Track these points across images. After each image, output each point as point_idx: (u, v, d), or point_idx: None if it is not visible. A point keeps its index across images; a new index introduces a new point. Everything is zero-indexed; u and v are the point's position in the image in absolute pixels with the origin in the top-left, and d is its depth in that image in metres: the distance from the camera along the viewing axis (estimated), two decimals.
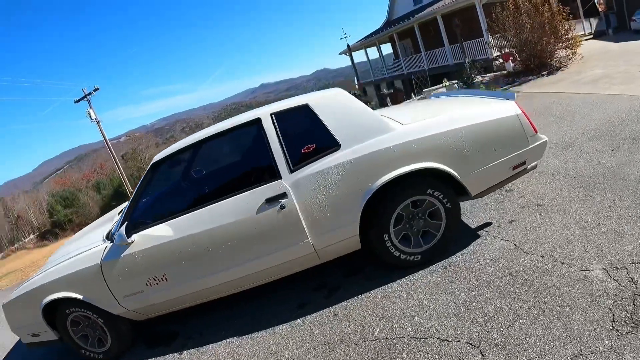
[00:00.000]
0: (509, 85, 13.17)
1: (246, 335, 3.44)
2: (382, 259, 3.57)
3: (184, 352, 3.55)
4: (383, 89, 29.71)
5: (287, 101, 3.83)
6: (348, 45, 31.37)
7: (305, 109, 3.49)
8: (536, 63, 13.83)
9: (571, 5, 18.69)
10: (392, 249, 3.44)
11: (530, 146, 3.57)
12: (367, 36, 30.85)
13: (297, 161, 3.35)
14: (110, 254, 3.48)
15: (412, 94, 16.43)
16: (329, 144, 3.35)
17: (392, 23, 28.23)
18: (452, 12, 20.73)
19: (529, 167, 3.72)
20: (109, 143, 29.59)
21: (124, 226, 3.46)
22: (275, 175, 3.32)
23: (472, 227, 4.14)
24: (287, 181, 3.29)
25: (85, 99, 28.14)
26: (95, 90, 28.12)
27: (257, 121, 3.49)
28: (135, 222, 3.54)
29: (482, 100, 4.07)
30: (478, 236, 3.91)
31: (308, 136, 3.48)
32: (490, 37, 16.24)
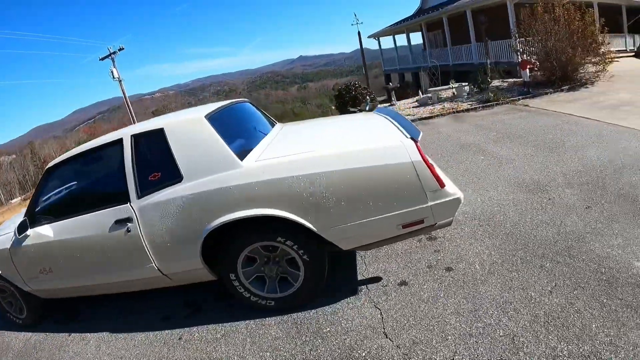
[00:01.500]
0: (521, 96, 11.72)
1: (114, 333, 3.73)
2: (234, 296, 3.28)
3: (73, 334, 3.99)
4: (407, 80, 27.86)
5: (149, 122, 3.64)
6: (359, 32, 28.52)
7: (160, 134, 3.19)
8: (559, 75, 12.22)
9: (616, 18, 17.22)
10: (240, 289, 3.17)
11: (430, 203, 2.75)
12: (397, 23, 28.80)
13: (145, 187, 3.15)
14: (15, 242, 3.78)
15: (362, 103, 15.21)
16: (173, 174, 3.06)
17: (424, 12, 26.12)
18: (482, 9, 18.95)
19: (432, 224, 2.88)
20: (129, 102, 29.84)
21: (19, 222, 3.71)
22: (126, 198, 3.19)
23: (358, 279, 3.47)
24: (135, 205, 3.14)
25: (110, 57, 28.72)
26: (120, 49, 28.66)
27: (120, 141, 3.34)
28: (31, 218, 3.73)
29: (387, 132, 3.22)
30: (354, 292, 3.26)
31: (158, 163, 3.22)
32: (517, 40, 14.34)
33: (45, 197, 3.96)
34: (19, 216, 4.39)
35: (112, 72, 28.01)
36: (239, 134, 3.63)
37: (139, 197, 3.14)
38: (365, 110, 14.30)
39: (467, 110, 11.37)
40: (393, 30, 29.26)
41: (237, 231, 2.96)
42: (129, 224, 3.14)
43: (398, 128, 3.20)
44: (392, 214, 2.77)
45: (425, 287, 3.13)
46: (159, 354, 3.20)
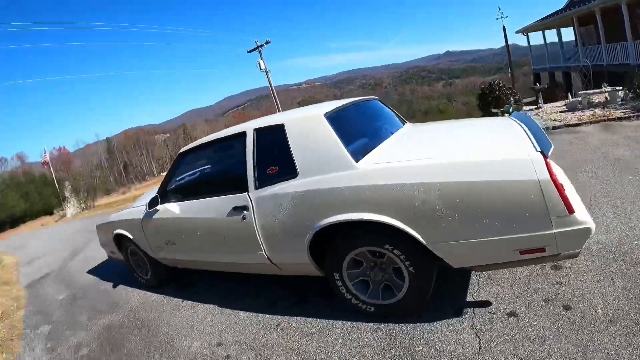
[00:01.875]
0: None
1: (221, 308, 4.05)
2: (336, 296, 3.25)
3: (186, 301, 4.46)
4: (558, 79, 24.54)
5: (270, 118, 3.80)
6: (504, 28, 26.38)
7: (280, 130, 3.28)
8: None
9: None
10: (342, 290, 3.11)
11: (555, 231, 2.36)
12: (547, 17, 25.42)
13: (263, 179, 3.30)
14: (146, 215, 4.40)
15: (508, 103, 13.71)
16: (289, 169, 3.13)
17: (574, 4, 22.40)
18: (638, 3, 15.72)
19: (556, 254, 2.49)
20: (275, 93, 31.09)
21: (151, 197, 4.30)
22: (244, 187, 3.39)
23: (466, 299, 3.17)
24: (252, 195, 3.33)
25: (257, 50, 30.30)
26: (267, 43, 30.06)
27: (243, 134, 3.55)
28: (162, 195, 4.26)
29: (516, 143, 2.83)
30: (458, 314, 2.98)
31: (276, 157, 3.30)
32: None
33: (176, 178, 4.45)
34: (153, 192, 4.98)
35: (259, 63, 29.83)
36: (360, 133, 3.58)
37: (257, 187, 3.32)
38: (508, 112, 13.36)
39: (620, 118, 9.78)
40: (542, 24, 26.26)
41: (345, 232, 2.94)
42: (245, 212, 3.35)
43: (529, 138, 2.81)
44: (510, 237, 2.44)
45: (535, 323, 2.73)
46: (255, 335, 3.38)
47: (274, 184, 3.21)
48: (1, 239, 36.14)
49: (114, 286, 5.77)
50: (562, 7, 25.25)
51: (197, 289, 4.65)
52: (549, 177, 2.33)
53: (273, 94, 31.08)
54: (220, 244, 3.70)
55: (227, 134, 3.85)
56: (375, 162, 2.88)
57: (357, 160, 2.89)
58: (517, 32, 27.56)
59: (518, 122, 3.41)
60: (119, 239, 5.19)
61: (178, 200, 4.17)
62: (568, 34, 27.11)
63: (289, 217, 3.10)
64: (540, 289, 3.07)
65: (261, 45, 30.14)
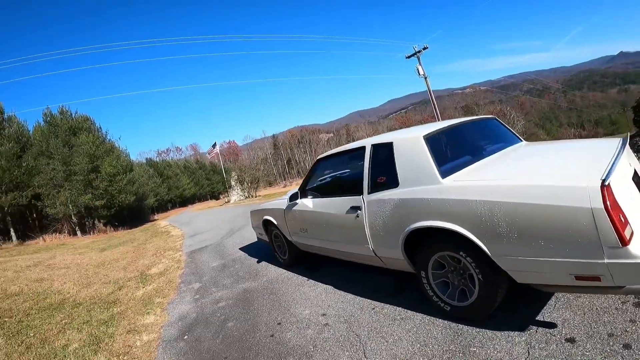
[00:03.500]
0: None
1: (335, 289, 5.09)
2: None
3: (310, 280, 5.66)
4: None
5: (385, 136, 4.57)
6: None
7: (390, 147, 4.08)
8: None
9: None
10: (426, 287, 3.81)
11: (607, 261, 2.54)
12: None
13: (374, 185, 4.13)
14: (288, 206, 5.78)
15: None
16: (393, 180, 3.90)
17: None
18: None
19: (619, 287, 2.61)
20: (434, 99, 31.40)
21: (291, 193, 5.74)
22: (361, 191, 4.27)
23: (535, 317, 3.47)
24: (365, 198, 4.19)
25: (415, 56, 31.26)
26: (424, 49, 30.72)
27: (363, 148, 4.43)
28: (301, 192, 5.52)
29: (586, 168, 3.11)
30: (522, 328, 3.35)
31: (385, 169, 4.06)
32: None
33: (312, 179, 5.69)
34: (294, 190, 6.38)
35: (417, 69, 30.90)
36: (458, 153, 4.28)
37: (369, 192, 4.19)
38: None
39: None
40: None
41: (431, 237, 3.64)
42: (359, 211, 4.27)
43: (610, 164, 2.94)
44: (563, 260, 2.75)
45: (587, 354, 2.87)
46: (352, 313, 4.34)
47: (381, 190, 4.05)
48: (172, 215, 41.90)
49: (258, 262, 7.36)
50: None
51: (321, 273, 5.82)
52: (603, 206, 2.51)
53: (432, 99, 31.70)
54: (339, 235, 4.71)
55: (352, 147, 4.82)
56: (457, 180, 3.52)
57: (443, 177, 3.57)
58: None
59: (619, 143, 3.63)
60: (266, 224, 6.71)
61: (313, 196, 5.35)
62: None
63: (389, 219, 3.92)
64: (610, 323, 3.22)
65: (419, 51, 31.17)
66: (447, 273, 3.71)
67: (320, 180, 6.08)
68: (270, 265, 6.87)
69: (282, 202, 6.02)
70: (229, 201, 37.63)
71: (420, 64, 31.05)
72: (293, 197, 5.55)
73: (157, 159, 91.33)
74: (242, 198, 36.55)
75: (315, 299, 4.94)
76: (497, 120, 5.14)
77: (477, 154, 4.27)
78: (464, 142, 4.56)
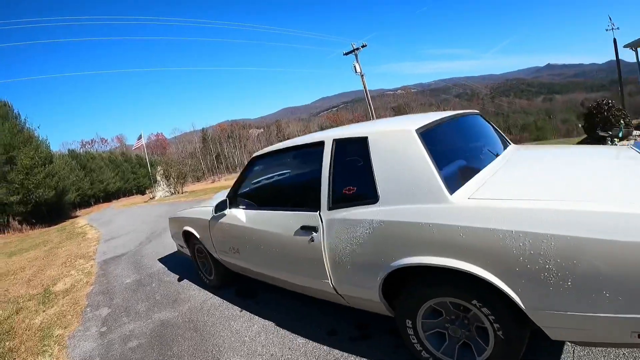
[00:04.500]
0: None
1: (278, 327, 3.82)
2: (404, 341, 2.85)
3: (244, 311, 4.31)
4: None
5: (353, 128, 3.42)
6: (614, 40, 23.44)
7: (363, 144, 2.89)
8: None
9: None
10: (412, 339, 2.71)
11: None
12: None
13: (337, 199, 2.97)
14: (213, 217, 4.37)
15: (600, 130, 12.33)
16: (369, 192, 2.75)
17: None
18: None
19: None
20: (369, 97, 31.18)
21: (219, 201, 4.24)
22: (316, 206, 3.10)
23: None
24: (323, 216, 3.02)
25: (353, 53, 30.76)
26: (363, 46, 30.53)
27: (321, 144, 3.24)
28: (231, 199, 4.17)
29: None
30: None
31: (356, 175, 2.96)
32: None
33: (246, 183, 4.37)
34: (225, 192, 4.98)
35: (354, 66, 30.26)
36: (457, 156, 3.10)
37: (330, 208, 3.01)
38: (617, 137, 12.11)
39: None
40: None
41: (427, 277, 2.54)
42: (314, 234, 3.07)
43: None
44: (632, 316, 1.87)
45: None
46: None
47: (350, 206, 2.88)
48: (94, 212, 39.38)
49: (179, 280, 5.94)
50: None
51: (258, 300, 4.50)
52: None
53: (368, 98, 31.25)
54: (285, 262, 3.51)
55: (303, 142, 3.59)
56: (474, 197, 2.37)
57: (451, 192, 2.41)
58: (625, 46, 24.58)
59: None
60: (187, 236, 5.26)
61: (246, 207, 4.07)
62: None
63: (362, 249, 2.75)
64: None
65: (357, 49, 30.70)
66: (445, 323, 2.60)
67: (258, 186, 4.71)
68: (193, 285, 5.48)
69: (206, 211, 4.65)
70: (153, 197, 35.53)
71: (357, 62, 30.44)
72: (219, 207, 4.19)
73: (81, 151, 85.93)
74: (167, 194, 34.59)
75: (251, 342, 3.66)
76: (482, 116, 4.08)
77: (478, 160, 3.18)
78: (459, 142, 3.45)
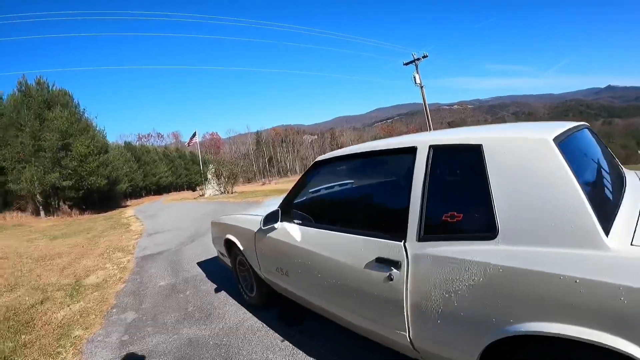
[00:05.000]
0: None
1: None
2: None
3: (285, 342, 3.55)
4: None
5: (457, 133, 2.59)
6: None
7: (474, 153, 2.11)
8: None
9: None
10: None
11: None
12: None
13: (433, 227, 2.20)
14: (261, 230, 3.62)
15: None
16: (483, 222, 1.98)
17: None
18: None
19: None
20: (427, 109, 29.92)
21: (269, 211, 3.52)
22: (401, 232, 2.31)
23: None
24: (410, 248, 2.23)
25: (414, 63, 29.65)
26: (424, 57, 29.33)
27: (412, 150, 2.45)
28: (284, 210, 3.44)
29: None
30: None
31: (461, 197, 2.24)
32: None
33: (304, 193, 3.66)
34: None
35: (414, 77, 29.40)
36: (594, 181, 2.31)
37: (420, 238, 2.22)
38: None
39: None
40: None
41: (552, 349, 1.72)
42: (394, 271, 2.28)
43: None
44: None
45: None
46: None
47: (452, 240, 2.09)
48: (144, 203, 40.09)
49: (216, 290, 5.29)
50: None
51: (303, 329, 3.76)
52: None
53: (426, 109, 30.23)
54: (348, 299, 2.72)
55: (386, 147, 2.79)
56: (637, 243, 1.62)
57: (607, 233, 1.65)
58: None
59: None
60: (230, 245, 4.58)
61: (303, 222, 3.31)
62: None
63: (464, 301, 1.96)
64: None
65: (418, 59, 29.75)
66: None
67: (319, 198, 3.90)
68: (230, 299, 4.79)
69: (254, 221, 3.90)
70: (203, 194, 35.76)
71: (417, 72, 29.53)
72: (270, 219, 3.44)
73: (137, 144, 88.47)
74: (217, 193, 34.67)
75: None
76: (592, 130, 3.11)
77: (610, 186, 2.40)
78: (589, 163, 2.56)
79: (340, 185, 4.15)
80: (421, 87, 29.36)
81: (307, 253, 3.04)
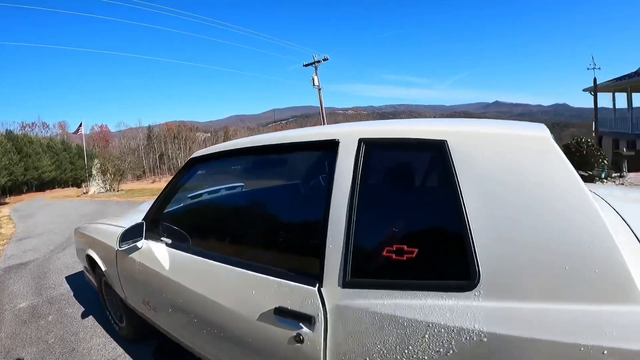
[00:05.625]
0: None
1: None
2: None
3: None
4: (623, 147, 20.45)
5: (408, 124, 1.70)
6: (595, 80, 23.34)
7: (436, 154, 1.45)
8: None
9: None
10: None
11: None
12: (620, 78, 23.28)
13: (368, 266, 1.49)
14: (122, 250, 2.66)
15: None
16: (452, 262, 1.34)
17: None
18: None
19: None
20: (324, 112, 30.02)
21: (131, 225, 2.64)
22: (315, 271, 1.55)
23: None
24: (329, 297, 1.49)
25: (314, 65, 29.27)
26: (325, 59, 29.01)
27: (331, 145, 1.69)
28: (150, 224, 2.62)
29: None
30: None
31: (418, 220, 1.55)
32: None
33: (177, 202, 2.84)
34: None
35: (313, 79, 28.85)
36: None
37: (346, 283, 1.47)
38: (601, 178, 11.63)
39: None
40: (613, 86, 24.17)
41: None
42: (304, 329, 1.54)
43: None
44: None
45: None
46: None
47: (401, 288, 1.38)
48: (24, 200, 36.13)
49: (83, 316, 4.36)
50: (636, 70, 23.57)
51: None
52: None
53: (322, 112, 30.18)
54: (238, 353, 1.93)
55: (291, 140, 1.97)
56: None
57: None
58: (584, 90, 25.79)
59: None
60: (92, 262, 3.58)
61: (175, 241, 2.45)
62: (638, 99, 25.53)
63: None
64: None
65: (319, 61, 29.36)
66: None
67: (198, 206, 3.09)
68: (99, 328, 3.90)
69: (116, 233, 2.80)
70: (86, 192, 32.93)
71: (316, 74, 29.02)
72: (130, 236, 2.53)
73: (20, 133, 79.32)
74: (102, 190, 32.12)
75: None
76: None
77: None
78: None
79: (227, 189, 3.29)
80: (319, 89, 29.02)
81: (179, 288, 2.19)
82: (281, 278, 1.68)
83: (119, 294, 3.11)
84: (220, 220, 2.74)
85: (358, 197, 1.52)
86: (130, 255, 2.63)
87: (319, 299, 1.51)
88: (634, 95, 23.87)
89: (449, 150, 1.41)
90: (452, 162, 1.38)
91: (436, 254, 1.41)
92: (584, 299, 1.12)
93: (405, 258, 1.40)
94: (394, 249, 1.42)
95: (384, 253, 1.44)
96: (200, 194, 3.25)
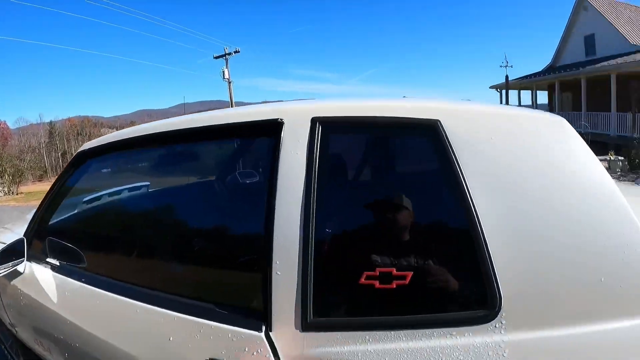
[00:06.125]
0: None
1: None
2: None
3: None
4: None
5: (378, 100, 1.36)
6: (507, 77, 24.37)
7: (427, 136, 1.11)
8: None
9: None
10: None
11: None
12: (525, 77, 24.93)
13: (334, 302, 1.12)
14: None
15: None
16: (460, 287, 1.02)
17: (556, 70, 22.75)
18: (632, 75, 15.70)
19: None
20: (234, 105, 28.98)
21: (9, 244, 2.01)
22: (259, 307, 1.14)
23: None
24: (282, 346, 1.08)
25: (224, 57, 27.85)
26: (236, 52, 27.67)
27: (272, 128, 1.24)
28: (34, 241, 1.98)
29: None
30: None
31: (406, 231, 1.11)
32: None
33: (68, 207, 2.20)
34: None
35: (223, 72, 27.40)
36: None
37: (307, 325, 1.08)
38: None
39: None
40: (519, 84, 25.65)
41: None
42: None
43: None
44: None
45: None
46: None
47: (389, 327, 1.01)
48: None
49: None
50: (541, 70, 25.30)
51: None
52: None
53: (232, 106, 29.08)
54: None
55: (215, 122, 1.44)
56: None
57: None
58: (490, 87, 27.07)
59: None
60: None
61: (64, 262, 1.83)
62: (542, 97, 26.72)
63: None
64: None
65: (230, 53, 27.94)
66: None
67: (93, 213, 2.32)
68: None
69: None
70: None
71: (227, 67, 27.56)
72: (8, 254, 1.89)
73: None
74: (0, 194, 29.28)
75: None
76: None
77: None
78: None
79: (131, 190, 2.49)
80: (229, 82, 27.74)
81: (73, 330, 1.58)
82: (213, 320, 1.19)
83: (8, 327, 2.36)
84: (120, 235, 2.05)
85: (316, 201, 1.09)
86: (12, 283, 1.97)
87: (269, 349, 1.08)
88: (538, 93, 25.88)
89: (445, 132, 1.07)
90: (451, 148, 1.05)
91: (438, 276, 1.05)
92: (626, 313, 0.90)
93: (394, 285, 1.02)
94: (377, 273, 1.03)
95: (362, 280, 1.04)
96: (98, 197, 2.47)
